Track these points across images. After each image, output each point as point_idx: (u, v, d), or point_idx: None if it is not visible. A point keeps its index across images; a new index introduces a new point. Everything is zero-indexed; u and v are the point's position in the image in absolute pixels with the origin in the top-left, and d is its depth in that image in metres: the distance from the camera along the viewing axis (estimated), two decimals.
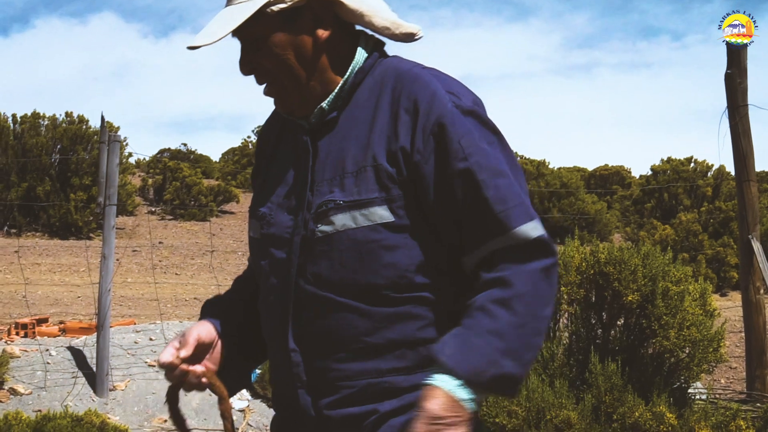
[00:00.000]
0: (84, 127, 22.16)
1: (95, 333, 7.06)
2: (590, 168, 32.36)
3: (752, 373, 6.91)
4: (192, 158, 35.05)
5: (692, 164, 23.25)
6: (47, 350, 7.20)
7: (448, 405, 1.65)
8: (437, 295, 1.79)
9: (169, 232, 22.82)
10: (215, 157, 40.49)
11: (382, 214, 1.76)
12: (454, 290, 1.80)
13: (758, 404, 6.16)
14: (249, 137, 40.60)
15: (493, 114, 1.87)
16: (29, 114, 22.19)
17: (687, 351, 5.06)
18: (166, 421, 6.60)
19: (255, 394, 7.12)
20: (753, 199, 7.12)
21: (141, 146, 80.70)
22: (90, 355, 7.08)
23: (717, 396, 6.35)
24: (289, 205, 1.87)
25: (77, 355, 7.18)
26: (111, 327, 7.09)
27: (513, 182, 1.76)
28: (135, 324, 8.69)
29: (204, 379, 1.88)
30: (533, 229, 1.74)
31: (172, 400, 1.94)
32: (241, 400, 6.93)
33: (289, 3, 1.79)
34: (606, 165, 32.24)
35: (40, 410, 6.19)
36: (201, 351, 1.89)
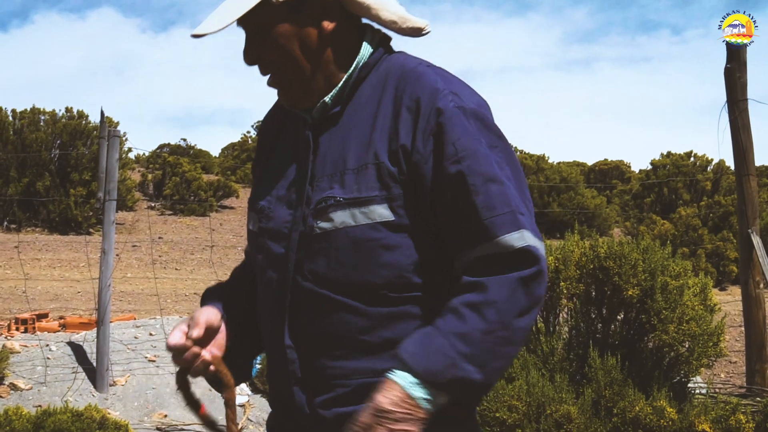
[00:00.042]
0: (83, 122, 22.16)
1: (95, 328, 7.06)
2: (590, 162, 32.37)
3: (752, 367, 6.92)
4: (191, 153, 35.02)
5: (692, 159, 23.27)
6: (47, 345, 7.20)
7: (398, 401, 1.64)
8: (435, 296, 1.77)
9: (169, 228, 22.82)
10: (215, 152, 40.51)
11: (382, 212, 1.74)
12: (452, 291, 1.77)
13: (758, 398, 6.17)
14: (249, 132, 40.61)
15: (493, 109, 1.85)
16: (28, 109, 22.19)
17: (686, 345, 5.06)
18: (166, 416, 6.60)
19: (255, 390, 7.13)
20: (753, 193, 7.12)
21: (140, 141, 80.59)
22: (90, 350, 7.09)
23: (717, 390, 6.35)
24: (288, 199, 1.84)
25: (77, 350, 7.18)
26: (111, 322, 7.09)
27: (506, 189, 1.72)
28: (135, 319, 8.70)
29: (211, 366, 1.85)
30: (518, 239, 1.69)
31: (183, 385, 1.91)
32: (241, 395, 6.94)
33: None
34: (605, 159, 32.24)
35: (40, 405, 6.19)
36: (208, 335, 1.86)
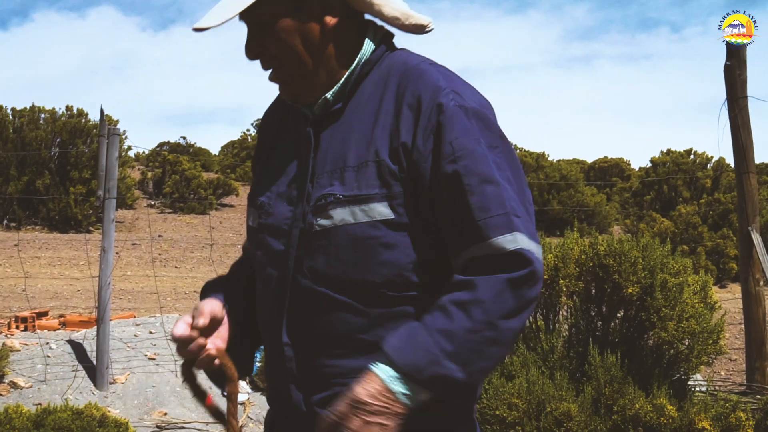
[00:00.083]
0: (83, 120, 22.19)
1: (95, 326, 7.07)
2: (590, 160, 32.40)
3: (752, 365, 6.92)
4: (191, 151, 35.06)
5: (692, 156, 23.29)
6: (47, 344, 7.20)
7: (376, 393, 1.63)
8: (434, 296, 1.74)
9: (169, 226, 22.83)
10: (214, 150, 40.56)
11: (381, 210, 1.72)
12: (444, 289, 1.75)
13: (758, 396, 6.17)
14: (248, 130, 40.62)
15: (493, 106, 1.84)
16: (28, 108, 22.21)
17: (686, 343, 5.06)
18: (166, 414, 6.61)
19: (255, 387, 7.13)
20: (752, 191, 7.12)
21: (140, 139, 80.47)
22: (90, 348, 7.09)
23: (717, 388, 6.35)
24: (288, 195, 1.83)
25: (77, 348, 7.18)
26: (111, 320, 7.09)
27: (502, 190, 1.70)
28: (135, 317, 8.70)
29: (216, 360, 1.84)
30: (510, 241, 1.67)
31: (189, 377, 1.89)
32: (241, 393, 6.94)
33: None
34: (605, 157, 32.25)
35: (40, 403, 6.20)
36: (212, 326, 1.85)
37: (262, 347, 1.99)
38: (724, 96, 7.19)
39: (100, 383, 6.76)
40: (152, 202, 26.34)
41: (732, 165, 8.45)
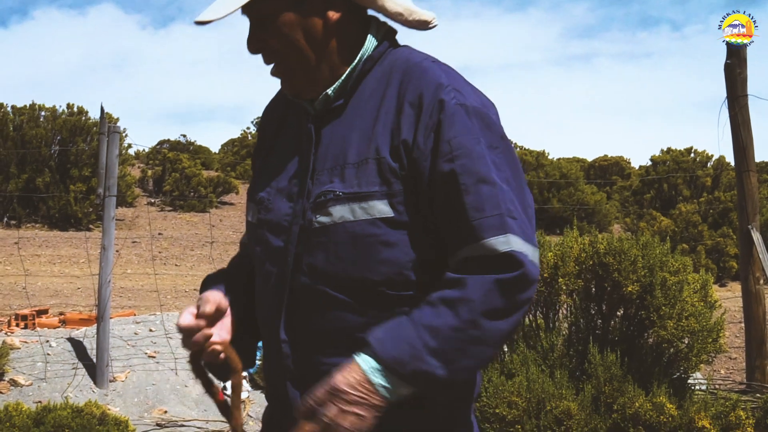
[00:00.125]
0: (83, 118, 22.17)
1: (95, 324, 7.07)
2: (590, 158, 32.39)
3: (752, 363, 6.93)
4: (191, 149, 35.04)
5: (692, 155, 23.25)
6: (47, 341, 7.21)
7: (356, 383, 1.63)
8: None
9: (169, 224, 22.82)
10: (215, 148, 40.52)
11: (381, 208, 1.71)
12: (437, 286, 1.74)
13: (758, 395, 6.17)
14: (248, 128, 40.60)
15: (496, 107, 1.82)
16: (28, 105, 22.20)
17: (686, 341, 5.07)
18: (166, 412, 6.61)
19: (255, 386, 7.13)
20: (753, 189, 7.13)
21: (140, 137, 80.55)
22: (90, 346, 7.09)
23: (717, 386, 6.36)
24: (288, 191, 1.82)
25: (77, 346, 7.18)
26: (111, 318, 7.09)
27: (498, 191, 1.69)
28: (135, 315, 8.70)
29: (221, 354, 1.82)
30: (503, 243, 1.66)
31: (198, 370, 1.87)
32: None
33: None
34: (605, 155, 32.24)
35: (40, 401, 6.20)
36: (216, 317, 1.84)
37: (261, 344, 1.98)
38: (725, 94, 7.19)
39: (100, 381, 6.76)
40: (152, 200, 26.34)
41: (732, 163, 8.45)
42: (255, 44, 1.81)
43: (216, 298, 1.84)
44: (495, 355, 1.81)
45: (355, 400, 1.63)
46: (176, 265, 16.80)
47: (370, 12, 1.87)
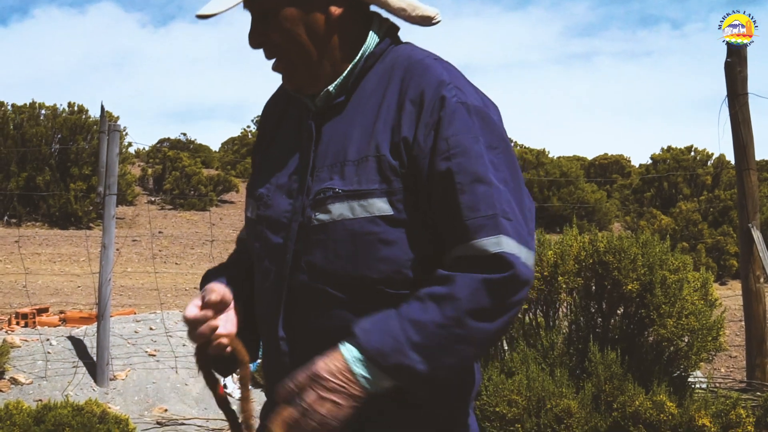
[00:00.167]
0: (83, 116, 22.18)
1: (95, 323, 7.07)
2: (590, 157, 32.44)
3: (752, 361, 6.93)
4: (191, 148, 35.04)
5: (692, 153, 23.26)
6: (48, 340, 7.21)
7: (337, 371, 1.62)
8: None
9: (169, 222, 22.83)
10: (215, 146, 40.55)
11: (381, 206, 1.70)
12: (427, 281, 1.73)
13: (758, 393, 6.18)
14: (248, 127, 40.62)
15: (498, 109, 1.81)
16: (28, 104, 22.21)
17: (686, 340, 5.07)
18: (166, 410, 6.61)
19: (256, 384, 7.13)
20: (753, 187, 7.13)
21: (140, 136, 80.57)
22: (90, 344, 7.09)
23: (717, 385, 6.36)
24: (288, 188, 1.81)
25: (77, 344, 7.19)
26: (111, 317, 7.10)
27: (494, 191, 1.67)
28: (135, 314, 8.70)
29: (228, 348, 1.81)
30: (494, 244, 1.64)
31: (204, 363, 1.85)
32: None
33: None
34: (605, 154, 32.27)
35: (40, 400, 6.20)
36: (220, 309, 1.82)
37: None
38: (725, 93, 7.19)
39: (100, 379, 6.76)
40: (152, 199, 26.35)
41: (732, 162, 8.46)
42: (257, 39, 1.80)
43: (220, 288, 1.83)
44: (479, 356, 1.79)
45: (335, 387, 1.62)
46: (176, 263, 16.81)
47: (373, 8, 1.86)
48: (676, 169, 22.13)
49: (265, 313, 1.85)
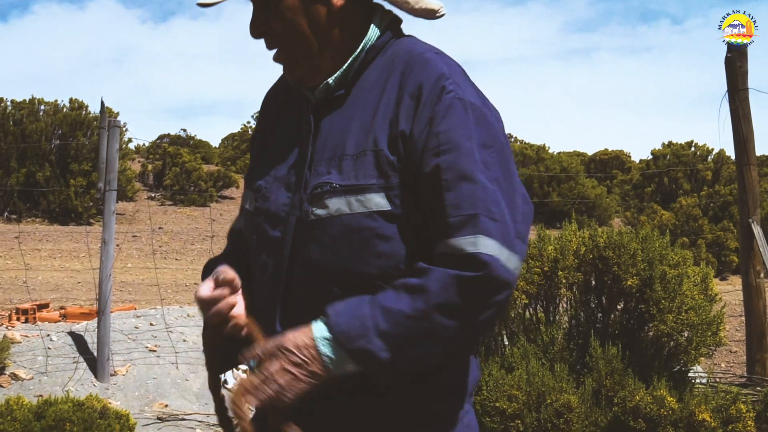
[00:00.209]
0: (83, 112, 22.17)
1: (96, 318, 7.07)
2: (590, 152, 32.36)
3: (752, 357, 6.93)
4: (192, 144, 35.03)
5: (692, 148, 23.28)
6: (48, 336, 7.21)
7: (303, 346, 1.63)
8: None
9: (169, 218, 22.84)
10: (215, 142, 40.51)
11: (378, 201, 1.69)
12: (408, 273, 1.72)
13: (758, 388, 6.18)
14: (249, 123, 40.54)
15: (493, 100, 1.80)
16: (28, 100, 22.20)
17: (686, 335, 5.07)
18: (167, 405, 6.62)
19: None
20: (753, 183, 7.13)
21: (141, 132, 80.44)
22: (91, 340, 7.09)
23: (717, 380, 6.36)
24: (287, 181, 1.80)
25: (78, 340, 7.19)
26: (111, 312, 7.10)
27: (479, 189, 1.64)
28: (135, 309, 8.71)
29: (243, 320, 1.77)
30: (470, 244, 1.61)
31: (211, 345, 1.83)
32: None
33: None
34: (606, 149, 32.23)
35: (41, 395, 6.20)
36: (234, 289, 1.79)
37: None
38: (725, 88, 7.19)
39: (100, 375, 6.76)
40: (153, 195, 26.35)
41: (733, 157, 8.46)
42: (258, 28, 1.78)
43: (231, 270, 1.80)
44: (450, 355, 1.75)
45: (297, 362, 1.62)
46: (176, 259, 16.82)
47: (376, 0, 1.84)
48: (677, 165, 22.14)
49: (262, 307, 1.83)
